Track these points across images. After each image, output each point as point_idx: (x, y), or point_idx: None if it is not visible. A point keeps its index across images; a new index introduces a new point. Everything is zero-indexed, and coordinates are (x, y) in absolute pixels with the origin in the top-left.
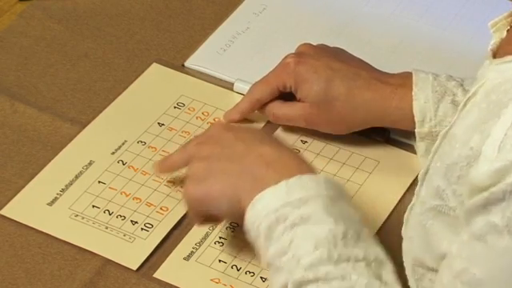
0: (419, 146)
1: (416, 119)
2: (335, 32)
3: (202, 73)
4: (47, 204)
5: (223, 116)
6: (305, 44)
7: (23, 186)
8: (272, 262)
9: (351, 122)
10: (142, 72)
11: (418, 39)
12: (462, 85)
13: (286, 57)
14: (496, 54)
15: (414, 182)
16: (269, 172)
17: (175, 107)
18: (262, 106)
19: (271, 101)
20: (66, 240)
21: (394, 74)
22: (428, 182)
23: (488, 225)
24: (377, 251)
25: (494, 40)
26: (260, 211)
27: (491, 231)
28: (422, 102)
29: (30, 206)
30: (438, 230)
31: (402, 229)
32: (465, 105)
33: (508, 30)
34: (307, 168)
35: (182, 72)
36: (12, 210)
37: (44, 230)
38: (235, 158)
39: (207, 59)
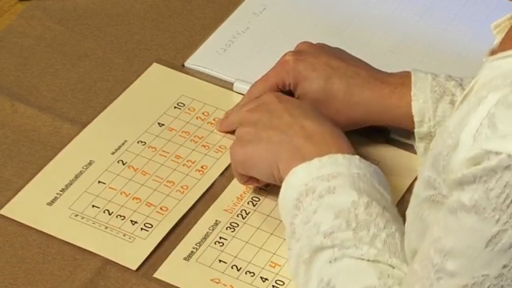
0: (419, 146)
1: (415, 119)
2: (335, 32)
3: (201, 73)
4: (47, 204)
5: (224, 114)
6: (304, 42)
7: (23, 186)
8: (296, 229)
9: (350, 120)
10: (142, 72)
11: (417, 39)
12: (461, 84)
13: (284, 55)
14: (494, 53)
15: (414, 182)
16: (307, 144)
17: (175, 107)
18: None
19: None
20: (66, 240)
21: (393, 74)
22: (420, 175)
23: (459, 201)
24: (399, 226)
25: (496, 41)
26: (292, 183)
27: (461, 208)
28: (420, 102)
29: (30, 206)
30: (434, 220)
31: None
32: (461, 101)
33: (507, 31)
34: (345, 145)
35: (182, 72)
36: (12, 210)
37: (44, 230)
38: (280, 128)
39: (207, 59)
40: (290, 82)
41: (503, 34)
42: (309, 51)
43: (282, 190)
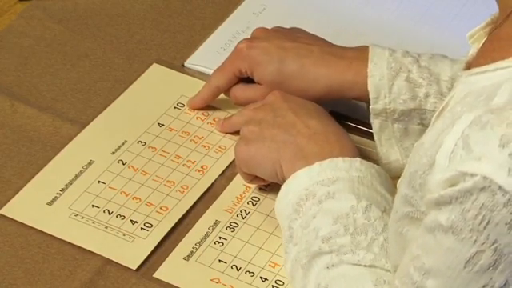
0: (374, 122)
1: (371, 96)
2: (335, 32)
3: (201, 73)
4: (47, 204)
5: (187, 103)
6: (258, 28)
7: (23, 186)
8: (294, 234)
9: (314, 98)
10: (142, 72)
11: (417, 40)
12: (417, 61)
13: (239, 43)
14: (470, 65)
15: None
16: (310, 143)
17: (175, 107)
18: (226, 91)
19: (234, 85)
20: (66, 240)
21: (349, 48)
22: (398, 190)
23: (437, 221)
24: None
25: (471, 51)
26: (292, 188)
27: (439, 228)
28: (376, 79)
29: (30, 206)
30: (413, 236)
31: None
32: (437, 116)
33: (483, 43)
34: (348, 146)
35: (181, 72)
36: (12, 210)
37: (44, 230)
38: (284, 127)
39: (207, 59)
40: (246, 68)
41: (478, 44)
42: (262, 36)
43: (280, 194)
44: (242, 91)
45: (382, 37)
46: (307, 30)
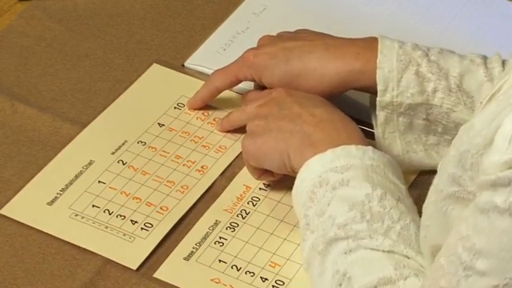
0: (379, 114)
1: (379, 87)
2: (335, 32)
3: (201, 73)
4: (47, 204)
5: (187, 104)
6: (263, 37)
7: (23, 186)
8: (311, 222)
9: (325, 93)
10: (142, 72)
11: (417, 39)
12: (427, 55)
13: (245, 51)
14: None
15: (416, 180)
16: (316, 131)
17: (175, 107)
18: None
19: (249, 90)
20: (66, 240)
21: (357, 39)
22: (442, 171)
23: (492, 202)
24: (414, 217)
25: None
26: (306, 176)
27: (494, 209)
28: (386, 71)
29: (30, 206)
30: (458, 215)
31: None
32: (489, 100)
33: None
34: (356, 133)
35: (181, 72)
36: (12, 210)
37: (44, 230)
38: (290, 118)
39: (207, 59)
40: (253, 76)
41: None
42: (267, 43)
43: (296, 184)
44: (256, 96)
45: None
46: None
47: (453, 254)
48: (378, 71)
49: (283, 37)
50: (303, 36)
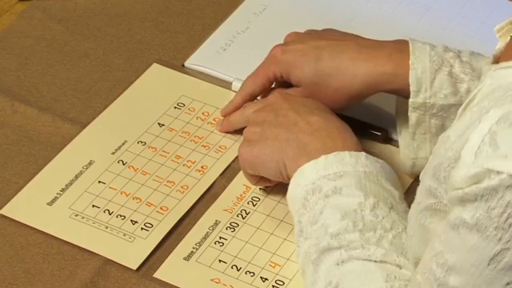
0: (411, 115)
1: (411, 89)
2: None
3: (201, 73)
4: (47, 204)
5: (220, 112)
6: (291, 33)
7: (23, 186)
8: (304, 229)
9: (350, 95)
10: (142, 72)
11: (418, 39)
12: (459, 56)
13: (272, 48)
14: (498, 59)
15: (414, 182)
16: (312, 140)
17: (175, 107)
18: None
19: (273, 89)
20: (66, 240)
21: (388, 41)
22: (421, 182)
23: (461, 218)
24: (407, 224)
25: (498, 45)
26: (300, 181)
27: (463, 225)
28: (419, 71)
29: (30, 206)
30: (436, 228)
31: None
32: (463, 109)
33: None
34: (351, 141)
35: (181, 72)
36: (12, 210)
37: (44, 230)
38: (285, 126)
39: (207, 59)
40: (282, 73)
41: (506, 38)
42: (295, 40)
43: (289, 189)
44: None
45: (382, 37)
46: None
47: (428, 271)
48: (410, 72)
49: (312, 34)
50: (333, 35)
